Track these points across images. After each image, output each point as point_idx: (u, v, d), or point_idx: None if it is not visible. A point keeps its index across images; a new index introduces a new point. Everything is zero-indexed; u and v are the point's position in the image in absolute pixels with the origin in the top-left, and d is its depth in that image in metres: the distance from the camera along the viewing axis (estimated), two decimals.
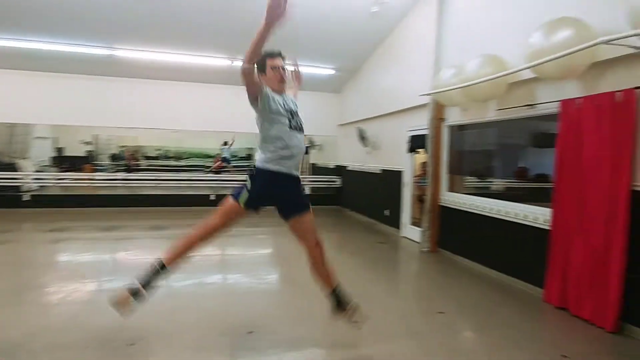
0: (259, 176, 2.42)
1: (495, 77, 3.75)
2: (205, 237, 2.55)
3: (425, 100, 5.29)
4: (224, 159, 15.79)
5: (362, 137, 7.58)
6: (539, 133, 5.73)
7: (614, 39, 2.63)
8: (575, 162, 3.31)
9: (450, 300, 3.64)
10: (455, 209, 5.09)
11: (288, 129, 2.41)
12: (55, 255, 5.09)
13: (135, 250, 5.30)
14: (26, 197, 8.14)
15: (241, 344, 2.68)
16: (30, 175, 8.95)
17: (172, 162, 18.05)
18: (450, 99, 4.65)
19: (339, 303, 2.66)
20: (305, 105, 9.43)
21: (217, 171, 15.90)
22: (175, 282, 3.94)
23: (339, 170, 9.61)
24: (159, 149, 18.85)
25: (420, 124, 5.66)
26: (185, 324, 2.96)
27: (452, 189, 5.31)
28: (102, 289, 3.70)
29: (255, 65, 2.24)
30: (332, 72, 7.94)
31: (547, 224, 3.62)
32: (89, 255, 5.06)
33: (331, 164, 10.19)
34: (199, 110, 8.67)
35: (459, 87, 4.19)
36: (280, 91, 2.49)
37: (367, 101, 7.70)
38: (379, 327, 2.99)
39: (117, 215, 7.72)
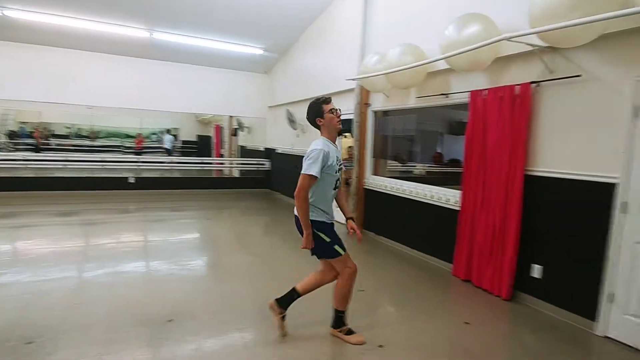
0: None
1: (414, 66, 3.93)
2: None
3: (352, 85, 5.40)
4: (167, 150, 14.78)
5: (291, 120, 7.54)
6: (453, 121, 6.18)
7: (515, 36, 2.89)
8: (481, 148, 3.64)
9: (372, 279, 3.84)
10: (378, 192, 5.33)
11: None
12: None
13: (38, 239, 4.74)
14: None
15: (160, 333, 2.55)
16: None
17: (86, 142, 16.36)
18: (374, 84, 4.79)
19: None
20: (235, 85, 9.19)
21: (139, 152, 14.81)
22: (85, 272, 3.63)
23: (269, 153, 9.49)
24: (69, 127, 16.96)
25: (348, 108, 5.76)
26: (95, 316, 2.74)
27: (376, 172, 5.54)
28: None
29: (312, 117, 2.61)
30: (261, 51, 7.71)
31: (458, 205, 3.96)
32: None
33: (260, 146, 10.01)
34: (114, 86, 7.88)
35: (382, 74, 4.32)
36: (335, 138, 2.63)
37: (297, 83, 7.64)
38: (302, 308, 3.05)
39: (18, 200, 6.82)
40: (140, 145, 15.43)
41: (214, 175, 10.67)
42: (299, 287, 2.65)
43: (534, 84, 3.19)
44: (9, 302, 2.90)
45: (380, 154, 5.63)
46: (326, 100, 2.57)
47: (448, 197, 4.19)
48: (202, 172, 9.94)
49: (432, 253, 4.42)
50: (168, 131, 15.55)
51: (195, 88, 8.57)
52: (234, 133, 12.11)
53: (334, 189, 2.56)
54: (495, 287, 3.48)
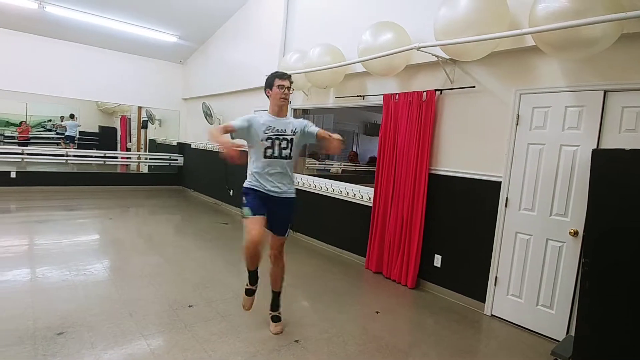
0: None
1: (333, 67, 4.05)
2: None
3: None
4: (68, 137, 12.87)
5: (208, 114, 7.22)
6: (369, 122, 6.51)
7: (423, 47, 3.15)
8: (392, 148, 3.89)
9: (288, 275, 3.84)
10: (296, 189, 5.37)
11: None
12: None
13: None
14: None
15: (47, 349, 2.23)
16: None
17: None
18: (294, 83, 4.80)
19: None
20: (146, 74, 8.49)
21: (24, 142, 12.86)
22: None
23: (182, 147, 8.96)
24: None
25: (267, 103, 5.70)
26: None
27: (294, 170, 5.57)
28: None
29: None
30: (175, 39, 7.24)
31: (370, 201, 4.18)
32: None
33: (173, 140, 9.40)
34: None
35: (302, 72, 4.37)
36: (278, 112, 2.61)
37: (215, 76, 7.34)
38: (217, 309, 2.95)
39: None
40: (25, 134, 13.38)
41: (118, 171, 9.73)
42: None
43: (437, 92, 3.51)
44: None
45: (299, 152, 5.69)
46: (282, 75, 2.60)
47: (362, 194, 4.40)
48: (104, 167, 8.99)
49: (347, 248, 4.61)
50: (72, 116, 13.71)
51: (98, 73, 7.69)
52: (144, 125, 11.18)
53: (265, 158, 2.54)
54: (403, 277, 3.75)
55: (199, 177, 8.33)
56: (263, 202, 2.53)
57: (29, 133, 13.73)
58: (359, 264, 4.33)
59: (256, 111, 6.06)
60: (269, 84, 2.61)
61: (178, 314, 2.81)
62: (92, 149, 11.23)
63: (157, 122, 10.57)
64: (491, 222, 3.18)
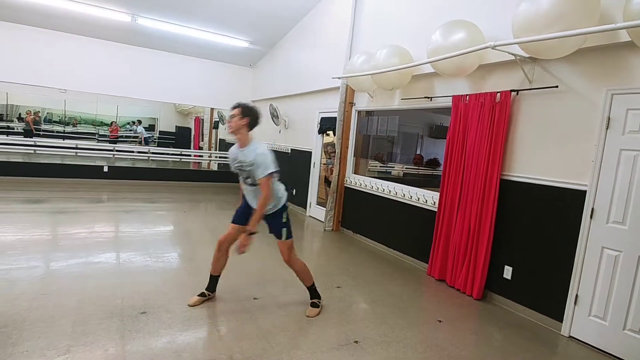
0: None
1: (400, 68, 3.99)
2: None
3: (338, 83, 5.42)
4: (145, 140, 14.47)
5: (274, 115, 7.50)
6: (434, 124, 6.30)
7: (499, 45, 2.98)
8: (460, 152, 3.73)
9: (348, 276, 3.87)
10: (358, 191, 5.38)
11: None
12: None
13: (5, 226, 4.53)
14: None
15: (132, 325, 2.49)
16: None
17: (58, 128, 15.68)
18: (360, 84, 4.83)
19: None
20: (218, 77, 9.04)
21: (114, 140, 14.39)
22: (54, 261, 3.50)
23: None
24: (38, 111, 16.20)
25: (332, 106, 5.79)
26: (64, 307, 2.64)
27: (357, 171, 5.58)
28: None
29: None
30: (247, 44, 7.62)
31: (435, 206, 4.05)
32: None
33: None
34: (91, 70, 7.61)
35: (369, 74, 4.36)
36: (239, 144, 2.85)
37: (282, 79, 7.60)
38: (277, 300, 3.06)
39: None
40: (115, 133, 14.99)
41: (191, 168, 10.49)
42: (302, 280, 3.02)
43: (514, 92, 3.30)
44: None
45: (362, 153, 5.68)
46: (233, 106, 2.78)
47: (426, 198, 4.27)
48: (179, 164, 9.75)
49: (408, 252, 4.50)
50: (139, 122, 15.20)
51: (177, 78, 8.38)
52: (215, 126, 11.92)
53: (246, 183, 2.82)
54: (468, 287, 3.58)
55: None
56: (242, 212, 2.86)
57: (118, 132, 15.34)
58: (421, 269, 4.21)
59: (320, 112, 6.21)
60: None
61: (244, 305, 2.96)
62: (169, 147, 12.24)
63: (226, 122, 11.19)
64: (573, 235, 2.90)
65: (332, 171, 5.80)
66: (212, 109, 11.97)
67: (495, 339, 2.85)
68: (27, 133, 12.89)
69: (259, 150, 2.74)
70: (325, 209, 5.80)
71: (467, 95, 3.70)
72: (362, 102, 5.36)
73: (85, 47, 7.47)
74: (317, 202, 6.49)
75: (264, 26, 7.04)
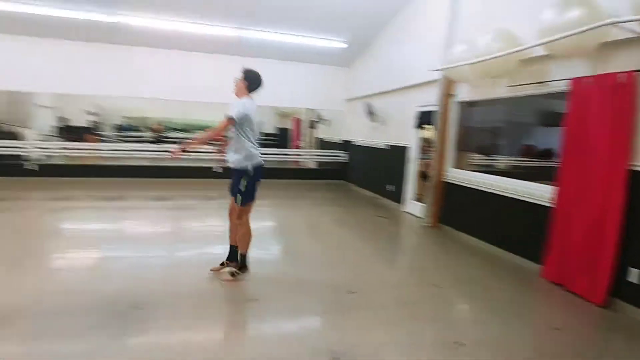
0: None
1: (506, 54, 3.66)
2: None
3: (435, 76, 5.19)
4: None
5: (370, 112, 7.50)
6: (547, 111, 5.62)
7: (620, 22, 2.55)
8: (580, 141, 3.28)
9: (446, 274, 3.71)
10: (459, 185, 5.09)
11: None
12: (60, 224, 5.17)
13: (138, 220, 5.40)
14: (29, 165, 8.14)
15: (243, 310, 2.77)
16: (32, 144, 8.93)
17: (178, 135, 17.98)
18: (461, 75, 4.55)
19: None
20: (314, 78, 9.35)
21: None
22: (178, 251, 4.04)
23: (346, 145, 9.57)
24: (162, 121, 18.78)
25: (429, 100, 5.57)
26: (187, 291, 3.03)
27: (457, 165, 5.28)
28: (106, 256, 3.80)
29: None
30: (344, 45, 7.75)
31: (548, 201, 3.62)
32: (93, 223, 5.16)
33: (338, 138, 10.14)
34: (206, 82, 8.57)
35: (470, 63, 4.09)
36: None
37: (377, 76, 7.57)
38: (371, 296, 3.07)
39: (121, 185, 7.81)
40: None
41: (291, 166, 11.09)
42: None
43: (639, 73, 2.78)
44: (118, 273, 3.35)
45: (463, 146, 5.35)
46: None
47: (538, 192, 3.84)
48: (280, 162, 10.38)
49: (517, 251, 4.11)
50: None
51: (276, 82, 8.92)
52: (313, 125, 12.40)
53: None
54: (590, 292, 3.12)
55: (360, 172, 8.76)
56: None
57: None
58: (531, 270, 3.81)
59: (417, 107, 6.02)
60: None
61: (340, 298, 3.05)
62: (271, 147, 13.09)
63: (324, 122, 11.55)
64: None
65: (429, 166, 5.59)
66: (309, 109, 12.48)
67: (623, 352, 2.45)
68: (155, 141, 15.10)
69: (239, 100, 3.11)
70: (422, 204, 5.61)
71: (586, 77, 3.22)
72: (463, 93, 5.04)
73: (200, 61, 8.46)
74: (414, 198, 6.32)
75: (359, 26, 7.11)
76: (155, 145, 10.42)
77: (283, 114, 17.41)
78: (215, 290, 3.08)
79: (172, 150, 3.08)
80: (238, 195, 3.15)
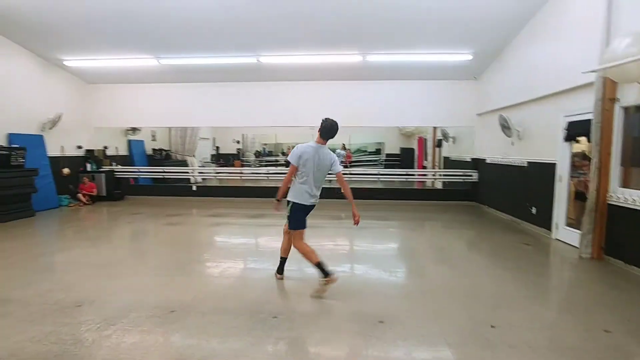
0: None
1: None
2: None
3: (589, 78, 4.44)
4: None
5: (506, 127, 6.81)
6: None
7: None
8: None
9: (618, 318, 3.01)
10: (629, 209, 4.16)
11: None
12: (214, 236, 6.02)
13: (274, 236, 5.89)
14: (194, 187, 9.84)
15: (371, 332, 2.73)
16: (196, 170, 10.89)
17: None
18: (626, 74, 3.78)
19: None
20: (440, 95, 9.08)
21: (347, 165, 16.48)
22: (310, 268, 4.25)
23: (476, 163, 8.86)
24: (293, 146, 20.46)
25: (582, 107, 4.79)
26: (319, 306, 3.16)
27: (625, 184, 4.35)
28: (249, 267, 4.27)
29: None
30: (470, 57, 7.33)
31: None
32: (239, 238, 5.87)
33: (467, 156, 9.46)
34: (329, 107, 9.10)
35: None
36: None
37: (512, 86, 6.87)
38: (522, 336, 2.67)
39: (261, 205, 8.72)
40: (348, 159, 17.17)
41: (415, 187, 10.76)
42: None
43: None
44: (258, 283, 3.72)
45: (633, 161, 4.39)
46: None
47: None
48: (404, 183, 10.19)
49: None
50: (343, 146, 16.78)
51: (400, 102, 8.94)
52: (438, 144, 11.89)
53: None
54: None
55: (494, 192, 7.96)
56: None
57: (351, 158, 17.51)
58: None
59: (565, 116, 5.22)
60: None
61: (480, 331, 2.75)
62: (395, 168, 12.98)
63: (450, 139, 10.98)
64: None
65: (587, 185, 4.73)
66: (434, 128, 12.03)
67: None
68: (288, 164, 16.55)
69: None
70: (579, 231, 4.76)
71: None
72: (631, 96, 4.18)
73: (324, 89, 9.04)
74: (566, 223, 5.40)
75: (487, 35, 6.61)
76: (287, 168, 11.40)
77: (407, 134, 17.20)
78: (341, 307, 3.12)
79: (275, 207, 3.70)
80: (287, 220, 3.63)
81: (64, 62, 8.28)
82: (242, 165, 16.14)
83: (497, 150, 7.63)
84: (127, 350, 2.45)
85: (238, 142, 18.24)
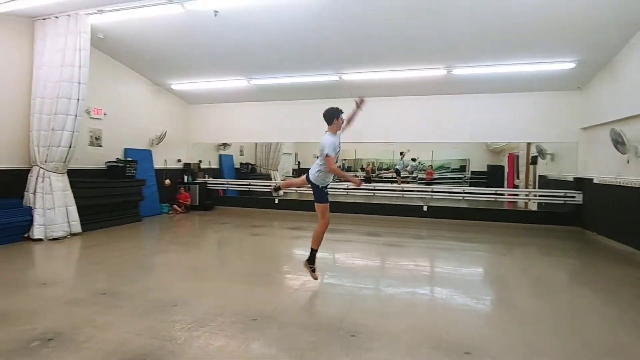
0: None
1: None
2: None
3: None
4: (396, 170, 15.81)
5: (619, 142, 5.95)
6: None
7: None
8: None
9: None
10: None
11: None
12: (294, 249, 6.18)
13: (352, 252, 5.85)
14: (276, 200, 10.24)
15: None
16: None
17: (386, 174, 19.03)
18: None
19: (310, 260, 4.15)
20: (536, 108, 8.31)
21: (430, 182, 15.88)
22: (389, 288, 4.12)
23: (580, 183, 7.85)
24: (373, 162, 20.30)
25: None
26: (398, 328, 3.03)
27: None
28: (328, 282, 4.27)
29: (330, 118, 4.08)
30: (572, 65, 6.60)
31: None
32: (318, 252, 5.91)
33: (568, 175, 8.44)
34: (411, 123, 8.88)
35: None
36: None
37: (627, 97, 5.99)
38: None
39: (339, 220, 8.75)
40: (430, 176, 16.50)
41: (505, 207, 9.89)
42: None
43: None
44: (337, 299, 3.69)
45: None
46: (339, 114, 4.06)
47: None
48: (492, 203, 9.42)
49: None
50: (401, 154, 16.00)
51: (488, 117, 8.36)
52: (533, 161, 10.84)
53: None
54: None
55: (606, 217, 6.94)
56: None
57: (433, 175, 16.82)
58: None
59: None
60: (337, 115, 4.04)
61: None
62: (481, 187, 12.11)
63: (548, 156, 9.92)
64: None
65: None
66: (528, 144, 11.02)
67: None
68: (367, 180, 16.43)
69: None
70: None
71: None
72: None
73: (406, 104, 8.86)
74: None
75: (596, 40, 5.88)
76: (366, 184, 11.33)
77: (496, 150, 16.02)
78: (422, 331, 2.93)
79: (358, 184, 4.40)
80: (322, 200, 4.21)
81: (171, 86, 9.40)
82: None
83: (607, 169, 6.68)
84: (214, 352, 2.59)
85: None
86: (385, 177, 17.57)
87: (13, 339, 2.71)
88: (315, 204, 4.19)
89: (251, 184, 10.87)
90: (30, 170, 6.22)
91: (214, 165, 12.04)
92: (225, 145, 12.20)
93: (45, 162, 6.12)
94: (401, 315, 3.30)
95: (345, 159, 20.30)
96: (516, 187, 12.27)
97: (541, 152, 10.06)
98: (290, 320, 3.15)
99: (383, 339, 2.83)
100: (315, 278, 4.07)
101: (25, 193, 6.13)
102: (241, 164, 13.22)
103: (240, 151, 13.62)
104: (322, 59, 7.37)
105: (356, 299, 3.70)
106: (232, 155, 13.01)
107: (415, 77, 7.67)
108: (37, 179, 6.10)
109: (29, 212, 5.96)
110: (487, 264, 5.43)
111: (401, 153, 16.11)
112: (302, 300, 3.67)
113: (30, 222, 5.95)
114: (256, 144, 13.75)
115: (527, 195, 9.77)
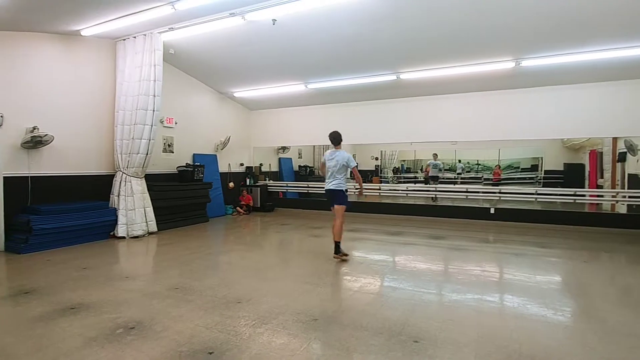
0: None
1: None
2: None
3: None
4: (432, 178, 14.74)
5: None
6: None
7: None
8: None
9: None
10: None
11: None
12: (353, 251, 6.11)
13: (415, 255, 5.67)
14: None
15: None
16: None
17: (449, 175, 18.21)
18: None
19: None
20: (623, 98, 7.45)
21: (497, 182, 14.93)
22: (454, 293, 3.92)
23: None
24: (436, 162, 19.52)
25: None
26: (465, 337, 2.87)
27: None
28: (388, 285, 4.19)
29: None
30: None
31: None
32: (378, 254, 5.84)
33: None
34: (475, 120, 8.41)
35: None
36: None
37: None
38: None
39: (400, 222, 8.56)
40: (498, 176, 15.49)
41: (586, 210, 8.96)
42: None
43: None
44: (399, 303, 3.59)
45: None
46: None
47: None
48: (570, 205, 8.58)
49: None
50: (435, 156, 14.80)
51: (566, 110, 7.64)
52: (620, 158, 9.69)
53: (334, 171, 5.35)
54: None
55: None
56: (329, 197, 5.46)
57: (501, 175, 15.77)
58: None
59: None
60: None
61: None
62: (557, 187, 11.10)
63: (639, 152, 8.81)
64: None
65: None
66: (614, 139, 9.89)
67: None
68: (427, 181, 15.85)
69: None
70: None
71: None
72: None
73: (468, 101, 8.41)
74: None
75: None
76: (426, 186, 10.96)
77: (573, 147, 14.60)
78: (491, 341, 2.73)
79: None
80: (344, 203, 5.33)
81: (234, 94, 9.91)
82: (381, 182, 16.23)
83: None
84: (276, 349, 2.65)
85: (377, 158, 18.45)
86: (446, 179, 16.83)
87: (102, 326, 3.01)
88: (338, 207, 5.24)
89: (309, 186, 11.03)
90: (114, 175, 6.93)
91: (274, 168, 12.43)
92: (284, 148, 12.55)
93: (127, 167, 6.78)
94: (467, 323, 3.12)
95: (404, 160, 19.82)
96: (600, 187, 11.06)
97: (631, 148, 8.95)
98: (350, 321, 3.13)
99: (448, 347, 2.70)
100: (346, 254, 5.27)
101: (111, 195, 6.84)
102: (299, 166, 13.49)
103: (299, 154, 13.91)
104: (378, 59, 7.27)
105: (418, 303, 3.58)
106: (291, 158, 13.33)
107: (477, 72, 7.25)
108: (120, 182, 6.78)
109: (114, 212, 6.63)
110: (566, 272, 4.95)
111: (434, 155, 15.40)
112: (362, 302, 3.63)
113: (115, 222, 6.61)
114: (314, 146, 13.95)
115: (614, 196, 8.77)
